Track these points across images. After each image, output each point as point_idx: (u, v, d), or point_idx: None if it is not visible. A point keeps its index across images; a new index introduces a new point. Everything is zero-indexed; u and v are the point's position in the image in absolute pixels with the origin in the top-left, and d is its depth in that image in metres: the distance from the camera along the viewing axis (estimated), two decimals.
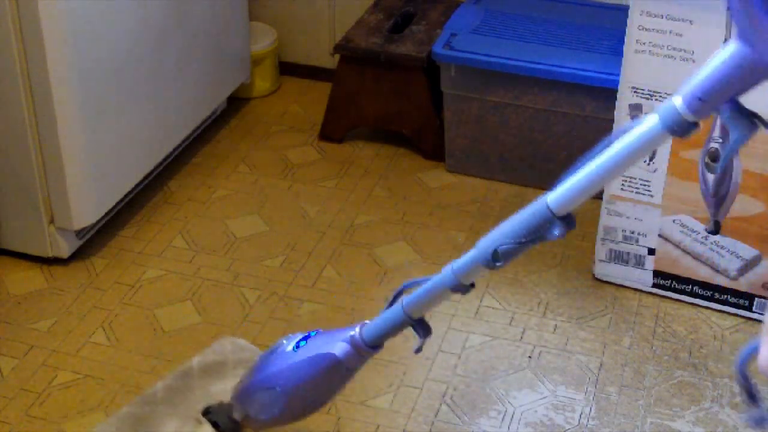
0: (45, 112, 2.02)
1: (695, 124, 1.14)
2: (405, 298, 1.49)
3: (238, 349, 1.80)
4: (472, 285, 1.42)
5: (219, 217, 2.39)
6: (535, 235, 1.31)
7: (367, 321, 1.55)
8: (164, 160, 2.47)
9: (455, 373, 1.95)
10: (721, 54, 1.08)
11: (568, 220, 1.30)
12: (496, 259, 1.33)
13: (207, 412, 1.78)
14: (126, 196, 2.33)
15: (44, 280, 2.17)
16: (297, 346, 1.59)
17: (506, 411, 1.87)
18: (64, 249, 2.18)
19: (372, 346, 1.54)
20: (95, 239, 2.28)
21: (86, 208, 2.15)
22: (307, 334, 1.61)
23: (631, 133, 1.19)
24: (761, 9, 1.00)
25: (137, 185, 2.37)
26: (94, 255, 2.25)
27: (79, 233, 2.21)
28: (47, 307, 2.10)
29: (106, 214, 2.27)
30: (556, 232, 1.29)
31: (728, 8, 1.11)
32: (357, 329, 1.54)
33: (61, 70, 1.98)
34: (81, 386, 1.90)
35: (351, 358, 1.54)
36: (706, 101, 1.11)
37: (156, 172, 2.45)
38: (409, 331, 2.04)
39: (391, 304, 1.51)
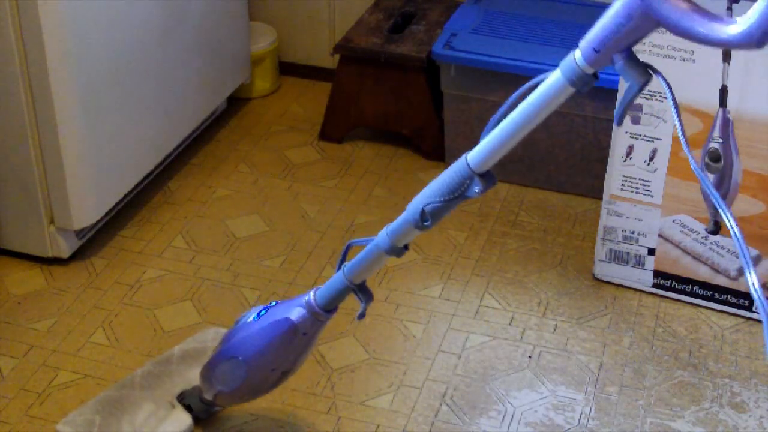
0: (45, 112, 2.02)
1: (594, 76, 1.24)
2: (346, 264, 1.53)
3: (219, 338, 1.81)
4: (406, 247, 1.49)
5: (219, 217, 2.39)
6: (457, 192, 1.38)
7: (320, 286, 1.59)
8: (164, 160, 2.47)
9: (455, 373, 1.95)
10: (614, 6, 1.19)
11: (487, 177, 1.38)
12: (424, 218, 1.41)
13: (182, 397, 1.80)
14: (126, 196, 2.33)
15: (44, 280, 2.17)
16: (258, 316, 1.62)
17: (506, 411, 1.87)
18: (64, 249, 2.18)
19: (326, 309, 1.57)
20: (95, 239, 2.28)
21: (86, 208, 2.15)
22: (268, 304, 1.63)
23: (539, 89, 1.28)
24: None
25: (137, 185, 2.37)
26: (94, 255, 2.25)
27: (79, 233, 2.21)
28: (47, 307, 2.10)
29: (106, 214, 2.27)
30: (477, 189, 1.37)
31: None
32: (312, 294, 1.58)
33: (61, 70, 1.98)
34: (81, 386, 1.90)
35: (306, 322, 1.58)
36: (601, 52, 1.22)
37: (156, 172, 2.45)
38: (409, 332, 2.05)
39: (339, 266, 1.55)
